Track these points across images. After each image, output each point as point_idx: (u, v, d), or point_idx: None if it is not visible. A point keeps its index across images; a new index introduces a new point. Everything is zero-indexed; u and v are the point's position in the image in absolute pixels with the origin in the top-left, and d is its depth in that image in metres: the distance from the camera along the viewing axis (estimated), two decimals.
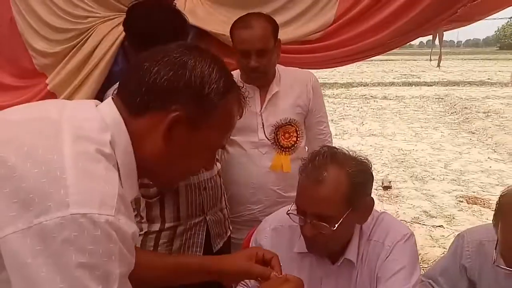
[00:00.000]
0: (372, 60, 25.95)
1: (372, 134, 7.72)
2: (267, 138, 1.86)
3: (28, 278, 0.66)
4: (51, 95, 2.31)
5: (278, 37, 1.80)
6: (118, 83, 0.89)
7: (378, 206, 4.42)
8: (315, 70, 2.21)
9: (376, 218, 1.30)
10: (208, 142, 0.88)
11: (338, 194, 1.15)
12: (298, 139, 1.90)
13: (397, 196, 4.78)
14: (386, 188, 5.01)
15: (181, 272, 1.14)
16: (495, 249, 1.27)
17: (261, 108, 1.87)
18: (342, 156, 1.19)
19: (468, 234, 1.47)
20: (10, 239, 0.65)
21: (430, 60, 2.69)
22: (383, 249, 1.24)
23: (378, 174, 5.55)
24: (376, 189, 5.02)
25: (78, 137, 0.74)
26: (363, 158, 1.23)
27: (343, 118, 9.15)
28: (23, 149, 0.70)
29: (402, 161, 6.10)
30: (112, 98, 0.85)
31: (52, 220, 0.65)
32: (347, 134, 7.74)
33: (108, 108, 0.83)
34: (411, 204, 4.52)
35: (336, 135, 7.61)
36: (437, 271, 1.51)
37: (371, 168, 1.23)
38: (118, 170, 0.79)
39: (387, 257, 1.23)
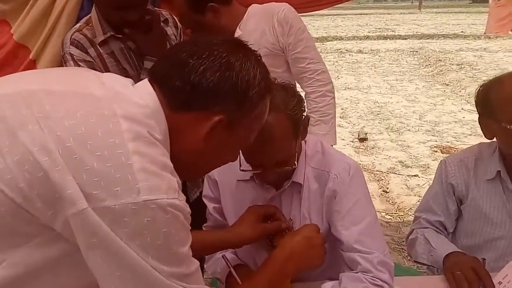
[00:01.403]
0: (346, 15, 25.60)
1: (347, 88, 7.71)
2: None
3: (108, 249, 0.68)
4: (21, 47, 2.16)
5: None
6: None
7: (354, 158, 4.49)
8: None
9: (321, 148, 1.28)
10: (241, 141, 0.90)
11: (287, 138, 1.12)
12: None
13: (373, 148, 4.83)
14: (362, 140, 5.05)
15: (200, 247, 1.14)
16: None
17: None
18: (275, 99, 1.10)
19: (447, 158, 1.54)
20: (85, 213, 0.67)
21: (420, 9, 2.62)
22: (329, 178, 1.22)
23: (354, 126, 5.58)
24: (352, 141, 5.07)
25: (131, 120, 0.73)
26: (287, 85, 1.18)
27: None
28: (80, 129, 0.69)
29: (377, 113, 6.13)
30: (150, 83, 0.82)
31: (123, 205, 0.67)
32: None
33: (148, 93, 0.81)
34: (387, 155, 4.58)
35: None
36: (429, 200, 1.53)
37: (294, 89, 1.18)
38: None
39: (338, 191, 1.21)
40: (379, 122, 5.75)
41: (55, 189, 0.67)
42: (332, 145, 1.85)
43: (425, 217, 1.52)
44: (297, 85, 1.85)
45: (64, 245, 0.71)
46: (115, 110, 0.73)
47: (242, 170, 1.18)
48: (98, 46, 1.50)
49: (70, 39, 1.49)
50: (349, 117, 6.02)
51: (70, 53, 1.47)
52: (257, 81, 0.84)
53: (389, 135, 5.25)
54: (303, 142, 1.28)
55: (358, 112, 6.23)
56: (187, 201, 1.59)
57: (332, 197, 1.21)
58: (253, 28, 1.75)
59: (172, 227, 0.72)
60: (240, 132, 0.86)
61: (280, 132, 1.09)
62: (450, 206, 1.49)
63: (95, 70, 1.46)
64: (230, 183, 1.32)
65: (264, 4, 1.82)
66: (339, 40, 14.06)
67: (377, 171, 4.22)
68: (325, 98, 1.84)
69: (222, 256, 1.22)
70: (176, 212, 0.72)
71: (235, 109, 0.82)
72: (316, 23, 19.80)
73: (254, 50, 0.90)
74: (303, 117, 1.18)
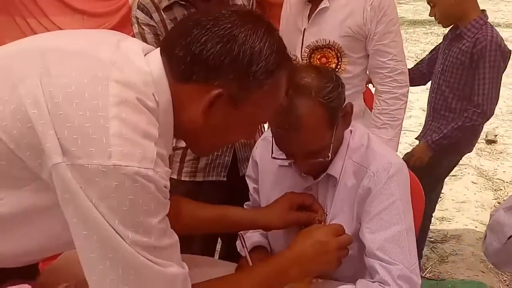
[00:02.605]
0: None
1: None
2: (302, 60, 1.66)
3: (75, 207, 0.72)
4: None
5: None
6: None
7: (473, 161, 4.01)
8: None
9: (367, 141, 1.17)
10: (250, 118, 0.86)
11: (320, 128, 1.02)
12: (340, 66, 1.65)
13: (500, 153, 4.24)
14: (490, 142, 4.45)
15: (225, 224, 1.19)
16: None
17: (306, 25, 1.66)
18: (307, 83, 1.02)
19: None
20: (62, 167, 0.71)
21: None
22: (366, 175, 1.11)
23: (485, 126, 4.93)
24: (477, 142, 4.51)
25: (125, 85, 0.75)
26: (323, 68, 1.08)
27: None
28: (70, 88, 0.72)
29: None
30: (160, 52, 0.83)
31: (94, 166, 0.69)
32: None
33: (156, 61, 0.82)
34: None
35: None
36: None
37: (335, 75, 1.07)
38: (158, 124, 0.79)
39: (372, 190, 1.09)
40: None
41: (39, 141, 0.72)
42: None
43: (504, 207, 1.25)
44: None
45: (54, 195, 0.76)
46: (110, 73, 0.75)
47: (274, 158, 1.14)
48: (162, 12, 1.53)
49: (138, 3, 1.56)
50: None
51: (136, 16, 1.54)
52: (264, 56, 0.79)
53: None
54: (347, 132, 1.18)
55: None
56: (236, 175, 1.64)
57: (366, 195, 1.11)
58: (344, 3, 1.63)
59: (139, 197, 0.72)
60: (247, 108, 0.83)
61: (311, 121, 1.01)
62: None
63: (157, 34, 1.54)
64: (271, 167, 1.29)
65: None
66: (496, 26, 12.37)
67: (497, 179, 3.71)
68: (398, 102, 1.68)
69: (239, 235, 1.21)
70: (147, 182, 0.72)
71: (236, 84, 0.79)
72: None
73: (269, 23, 0.83)
74: (342, 104, 1.08)
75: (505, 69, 2.11)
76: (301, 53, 1.70)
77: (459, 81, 2.11)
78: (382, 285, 1.02)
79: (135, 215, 0.73)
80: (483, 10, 2.13)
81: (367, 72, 1.79)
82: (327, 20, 1.64)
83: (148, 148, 0.74)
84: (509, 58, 2.11)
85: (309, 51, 1.68)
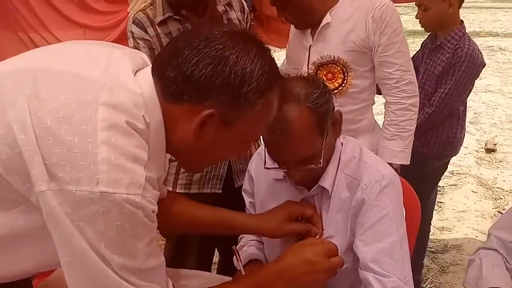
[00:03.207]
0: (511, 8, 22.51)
1: (488, 91, 6.81)
2: None
3: (61, 233, 0.73)
4: None
5: None
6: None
7: (473, 170, 4.01)
8: None
9: (359, 153, 1.17)
10: (242, 137, 0.86)
11: (310, 133, 1.03)
12: (347, 81, 1.65)
13: (500, 162, 4.23)
14: (490, 150, 4.45)
15: (221, 225, 1.19)
16: None
17: (311, 42, 1.67)
18: (295, 91, 1.03)
19: None
20: (47, 194, 0.71)
21: None
22: (359, 187, 1.10)
23: (484, 134, 4.95)
24: (477, 151, 4.51)
25: (114, 108, 0.74)
26: (310, 77, 1.10)
27: None
28: (59, 113, 0.72)
29: None
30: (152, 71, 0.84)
31: (82, 192, 0.70)
32: None
33: (147, 82, 0.82)
34: None
35: None
36: (510, 215, 1.30)
37: (322, 83, 1.09)
38: (149, 147, 0.79)
39: (365, 202, 1.09)
40: None
41: (26, 166, 0.71)
42: (403, 164, 1.69)
43: (498, 235, 1.28)
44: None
45: (43, 217, 0.75)
46: (99, 96, 0.74)
47: (266, 168, 1.14)
48: (157, 26, 1.55)
49: (133, 17, 1.58)
50: (481, 123, 5.35)
51: (131, 31, 1.56)
52: (255, 77, 0.79)
53: None
54: (338, 144, 1.18)
55: (493, 119, 5.50)
56: (232, 186, 1.64)
57: (359, 208, 1.11)
58: (346, 17, 1.62)
59: (126, 222, 0.73)
60: (239, 128, 0.83)
61: (300, 126, 1.02)
62: None
63: (152, 48, 1.55)
64: (266, 181, 1.29)
65: None
66: (494, 36, 12.46)
67: (497, 188, 3.70)
68: (407, 112, 1.65)
69: (233, 249, 1.20)
70: (134, 209, 0.73)
71: (228, 105, 0.79)
72: (471, 16, 17.84)
73: (261, 43, 0.84)
74: (331, 111, 1.09)
75: (476, 77, 2.12)
76: (307, 70, 1.70)
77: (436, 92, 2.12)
78: None
79: (122, 240, 0.73)
80: (462, 21, 2.16)
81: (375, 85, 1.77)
82: (331, 36, 1.64)
83: (137, 173, 0.74)
84: (482, 69, 2.12)
85: (315, 68, 1.68)
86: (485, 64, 2.11)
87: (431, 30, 2.21)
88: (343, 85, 1.67)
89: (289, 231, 1.17)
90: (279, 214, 1.16)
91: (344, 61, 1.64)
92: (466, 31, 2.11)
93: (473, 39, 2.11)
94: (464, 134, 2.29)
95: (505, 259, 1.25)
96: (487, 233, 1.37)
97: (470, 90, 2.15)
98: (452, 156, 2.32)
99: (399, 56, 1.62)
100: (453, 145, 2.21)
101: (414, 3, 2.21)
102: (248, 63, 0.78)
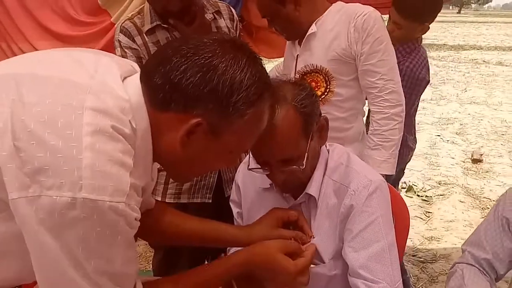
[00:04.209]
0: (494, 23, 23.03)
1: (474, 102, 6.96)
2: None
3: (35, 243, 0.71)
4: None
5: None
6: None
7: (460, 180, 4.05)
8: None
9: (346, 160, 1.16)
10: (231, 147, 0.84)
11: (295, 132, 1.02)
12: (329, 89, 1.65)
13: (487, 172, 4.29)
14: (476, 161, 4.51)
15: (208, 238, 1.16)
16: None
17: (299, 51, 1.68)
18: (281, 90, 1.03)
19: (510, 189, 1.29)
20: (19, 203, 0.68)
21: None
22: (347, 193, 1.10)
23: (470, 145, 5.02)
24: (464, 161, 4.56)
25: (100, 112, 0.72)
26: (298, 81, 1.11)
27: (444, 83, 8.35)
28: (43, 117, 0.70)
29: (502, 134, 5.43)
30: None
31: (63, 198, 0.67)
32: (444, 100, 7.05)
33: (135, 88, 0.80)
34: (502, 182, 4.02)
35: (431, 99, 7.01)
36: (480, 232, 1.31)
37: (309, 86, 1.09)
38: (135, 152, 0.77)
39: (353, 208, 1.08)
40: (502, 144, 5.09)
41: (1, 172, 0.69)
42: (388, 175, 1.68)
43: (472, 251, 1.29)
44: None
45: None
46: (85, 101, 0.72)
47: (250, 169, 1.14)
48: (144, 35, 1.55)
49: (120, 26, 1.57)
50: (467, 134, 5.43)
51: (118, 40, 1.56)
52: (244, 87, 0.77)
53: (511, 160, 4.61)
54: (324, 151, 1.18)
55: (479, 130, 5.59)
56: (222, 196, 1.63)
57: (348, 214, 1.10)
58: (330, 28, 1.64)
59: (107, 229, 0.71)
60: (228, 138, 0.81)
61: (285, 124, 1.01)
62: (505, 244, 1.24)
63: (140, 57, 1.54)
64: (253, 190, 1.28)
65: (350, 4, 1.67)
66: (478, 49, 12.76)
67: (484, 197, 3.74)
68: (390, 122, 1.63)
69: (222, 256, 1.19)
70: (116, 216, 0.71)
71: (216, 114, 0.77)
72: (455, 30, 18.25)
73: (252, 52, 0.82)
74: (317, 115, 1.09)
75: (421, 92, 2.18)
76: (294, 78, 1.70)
77: None
78: None
79: (100, 245, 0.72)
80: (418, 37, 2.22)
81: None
82: (316, 46, 1.66)
83: (122, 180, 0.72)
84: (425, 86, 2.15)
85: (299, 76, 1.70)
86: (428, 81, 2.14)
87: (396, 43, 2.20)
88: (326, 93, 1.67)
89: (278, 237, 1.15)
90: (266, 222, 1.15)
91: (327, 70, 1.64)
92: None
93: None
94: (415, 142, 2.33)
95: (483, 272, 1.27)
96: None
97: (414, 105, 2.18)
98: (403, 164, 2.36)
99: (381, 65, 1.60)
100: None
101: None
102: (238, 72, 0.77)
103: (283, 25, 1.67)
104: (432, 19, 2.10)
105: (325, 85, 1.65)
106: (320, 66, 1.64)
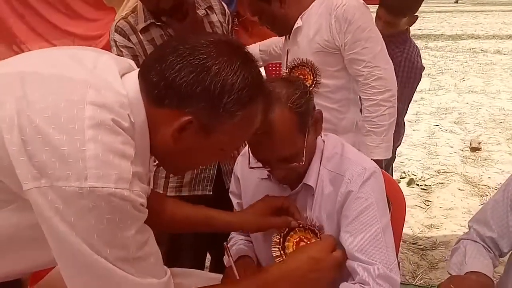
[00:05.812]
0: (492, 11, 22.91)
1: (472, 91, 6.96)
2: None
3: (52, 230, 0.74)
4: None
5: None
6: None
7: (459, 168, 4.08)
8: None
9: (340, 149, 1.21)
10: (221, 145, 0.89)
11: (291, 133, 1.07)
12: (316, 81, 1.69)
13: (485, 160, 4.32)
14: (474, 149, 4.54)
15: (203, 224, 1.22)
16: None
17: (289, 45, 1.73)
18: (276, 91, 1.07)
19: None
20: (33, 193, 0.73)
21: None
22: (342, 182, 1.14)
23: (469, 134, 5.05)
24: (462, 150, 4.59)
25: (100, 106, 0.76)
26: (292, 78, 1.14)
27: (442, 73, 8.34)
28: (47, 113, 0.74)
29: (500, 122, 5.44)
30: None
31: (71, 188, 0.71)
32: (443, 90, 7.06)
33: (132, 84, 0.84)
34: (500, 169, 4.06)
35: (429, 90, 7.03)
36: (487, 210, 1.34)
37: (302, 83, 1.13)
38: (135, 144, 0.81)
39: (349, 195, 1.12)
40: (500, 132, 5.11)
41: (13, 165, 0.73)
42: (384, 159, 1.72)
43: (477, 229, 1.33)
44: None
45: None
46: (86, 96, 0.76)
47: (251, 168, 1.18)
48: (139, 33, 1.58)
49: (115, 26, 1.60)
50: (465, 123, 5.46)
51: (114, 39, 1.59)
52: (236, 89, 0.81)
53: (509, 147, 4.64)
54: (320, 141, 1.22)
55: (477, 119, 5.61)
56: (222, 187, 1.66)
57: (344, 201, 1.14)
58: (314, 20, 1.68)
59: (116, 215, 0.75)
60: (218, 137, 0.85)
61: (282, 126, 1.06)
62: (511, 224, 1.27)
63: (136, 56, 1.58)
64: (252, 181, 1.32)
65: None
66: (475, 38, 12.70)
67: (483, 185, 3.77)
68: (379, 108, 1.67)
69: (224, 246, 1.23)
70: (122, 201, 0.75)
71: (207, 113, 0.82)
72: (453, 20, 18.17)
73: (246, 55, 0.86)
74: (312, 111, 1.13)
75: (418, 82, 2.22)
76: (285, 72, 1.76)
77: None
78: (362, 285, 1.04)
79: (112, 232, 0.75)
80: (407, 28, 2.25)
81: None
82: (302, 39, 1.70)
83: (124, 169, 0.76)
84: (421, 74, 2.19)
85: (288, 70, 1.75)
86: (424, 68, 2.19)
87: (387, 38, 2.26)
88: (313, 85, 1.71)
89: (269, 224, 1.19)
90: (257, 209, 1.20)
91: (312, 62, 1.69)
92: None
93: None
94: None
95: (487, 249, 1.30)
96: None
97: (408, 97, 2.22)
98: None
99: (366, 52, 1.63)
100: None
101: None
102: (230, 75, 0.80)
103: (271, 22, 1.73)
104: (416, 10, 2.15)
105: (312, 77, 1.70)
106: (306, 59, 1.69)
